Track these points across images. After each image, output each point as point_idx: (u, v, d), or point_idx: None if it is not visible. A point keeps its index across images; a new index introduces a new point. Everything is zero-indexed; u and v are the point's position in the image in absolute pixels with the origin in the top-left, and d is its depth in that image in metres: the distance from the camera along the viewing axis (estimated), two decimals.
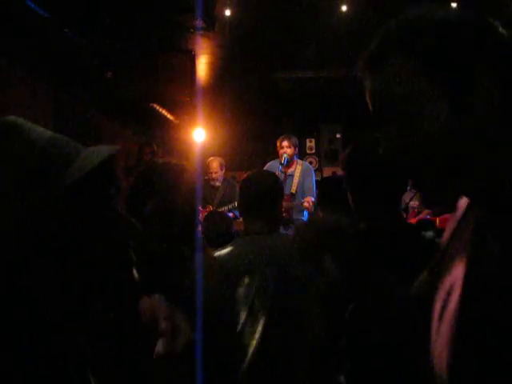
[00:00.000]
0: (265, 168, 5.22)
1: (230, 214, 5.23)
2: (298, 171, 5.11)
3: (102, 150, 0.78)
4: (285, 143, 5.01)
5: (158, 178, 1.74)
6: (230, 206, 5.44)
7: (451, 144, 0.75)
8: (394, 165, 0.82)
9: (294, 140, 5.12)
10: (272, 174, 2.44)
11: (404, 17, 0.80)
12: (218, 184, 5.71)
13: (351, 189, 1.78)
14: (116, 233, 0.80)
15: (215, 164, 5.71)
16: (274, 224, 2.17)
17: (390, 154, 0.81)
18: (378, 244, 1.59)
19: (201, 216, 5.36)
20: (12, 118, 0.77)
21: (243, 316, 1.85)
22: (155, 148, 6.06)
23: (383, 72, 0.79)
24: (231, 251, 2.06)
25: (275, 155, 5.27)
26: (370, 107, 0.84)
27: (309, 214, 4.89)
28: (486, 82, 0.73)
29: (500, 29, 0.77)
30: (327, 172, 8.12)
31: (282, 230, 3.14)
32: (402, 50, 0.77)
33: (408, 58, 0.76)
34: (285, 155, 4.97)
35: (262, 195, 2.13)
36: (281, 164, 4.97)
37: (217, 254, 2.06)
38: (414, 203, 5.37)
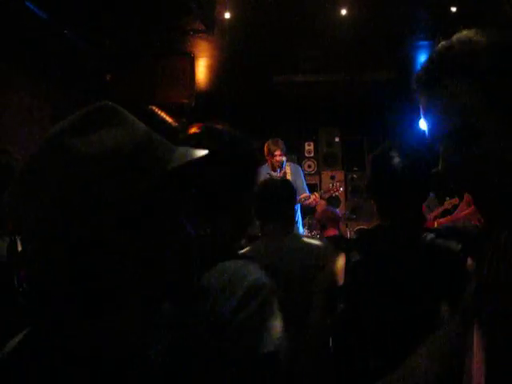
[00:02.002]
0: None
1: None
2: (288, 173, 5.31)
3: (195, 150, 0.78)
4: (277, 152, 5.17)
5: None
6: None
7: (506, 163, 0.76)
8: (452, 180, 0.83)
9: (283, 145, 5.28)
10: (286, 180, 2.64)
11: (456, 38, 0.81)
12: None
13: (376, 196, 1.82)
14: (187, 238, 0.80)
15: None
16: (290, 225, 2.39)
17: (449, 170, 0.82)
18: (399, 248, 1.62)
19: None
20: (108, 104, 0.76)
21: None
22: None
23: (441, 90, 0.80)
24: (253, 251, 2.22)
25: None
26: (426, 127, 0.85)
27: (301, 207, 5.16)
28: None
29: None
30: (326, 175, 8.11)
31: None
32: (460, 70, 0.78)
33: (466, 77, 0.77)
34: (283, 160, 5.13)
35: (281, 199, 2.33)
36: (279, 168, 5.14)
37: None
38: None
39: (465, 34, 0.80)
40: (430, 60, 0.82)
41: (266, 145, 5.29)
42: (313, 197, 5.17)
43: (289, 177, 5.27)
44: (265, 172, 5.27)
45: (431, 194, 5.48)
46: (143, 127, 0.77)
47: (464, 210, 4.19)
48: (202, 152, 0.77)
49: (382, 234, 1.69)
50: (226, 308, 0.97)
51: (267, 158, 5.31)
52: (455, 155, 0.79)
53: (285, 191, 2.41)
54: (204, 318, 0.91)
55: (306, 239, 2.40)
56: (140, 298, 0.75)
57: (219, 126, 1.44)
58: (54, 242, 0.67)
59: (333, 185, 5.69)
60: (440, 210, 4.71)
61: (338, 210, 5.06)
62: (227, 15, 5.34)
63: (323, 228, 4.31)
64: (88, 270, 0.68)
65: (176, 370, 0.77)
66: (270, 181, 2.53)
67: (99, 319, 0.72)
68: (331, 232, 4.22)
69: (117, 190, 0.68)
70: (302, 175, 5.56)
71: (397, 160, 1.68)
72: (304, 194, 5.21)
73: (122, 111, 0.77)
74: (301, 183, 5.34)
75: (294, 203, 2.50)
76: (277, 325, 1.00)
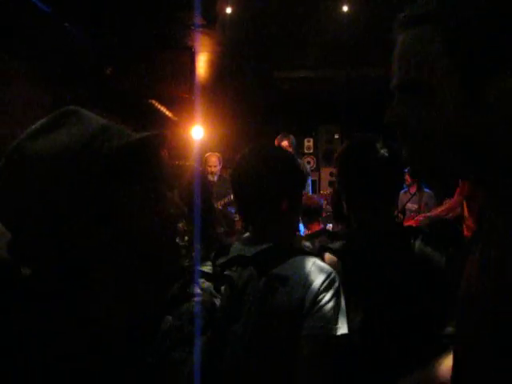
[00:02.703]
0: None
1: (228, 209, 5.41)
2: None
3: (143, 133, 0.81)
4: (285, 143, 5.14)
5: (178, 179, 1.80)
6: (226, 200, 5.56)
7: (459, 132, 0.72)
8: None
9: (293, 140, 5.26)
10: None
11: None
12: (214, 179, 5.79)
13: (345, 188, 1.73)
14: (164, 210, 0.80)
15: (214, 158, 5.83)
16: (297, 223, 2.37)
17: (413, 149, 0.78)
18: (365, 245, 1.57)
19: None
20: (70, 108, 0.80)
21: None
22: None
23: (411, 35, 0.77)
24: None
25: None
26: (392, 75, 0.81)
27: None
28: (507, 82, 0.70)
29: None
30: (325, 172, 8.11)
31: None
32: (435, 21, 0.74)
33: (437, 31, 0.74)
34: None
35: None
36: None
37: None
38: (412, 206, 5.37)
39: None
40: (416, 5, 0.78)
41: (276, 138, 5.28)
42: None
43: None
44: None
45: (428, 191, 5.48)
46: (101, 122, 0.80)
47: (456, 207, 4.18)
48: (156, 132, 0.81)
49: (365, 238, 1.63)
50: (306, 295, 1.28)
51: None
52: (410, 117, 0.76)
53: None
54: (284, 304, 1.27)
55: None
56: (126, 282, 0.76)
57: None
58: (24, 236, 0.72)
59: None
60: (439, 209, 4.71)
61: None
62: (228, 10, 5.33)
63: (309, 220, 4.14)
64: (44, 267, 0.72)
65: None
66: None
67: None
68: (316, 226, 4.12)
69: (70, 184, 0.71)
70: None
71: (373, 154, 1.65)
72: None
73: (82, 112, 0.80)
74: None
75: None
76: (345, 311, 1.31)
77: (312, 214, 4.04)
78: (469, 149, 0.72)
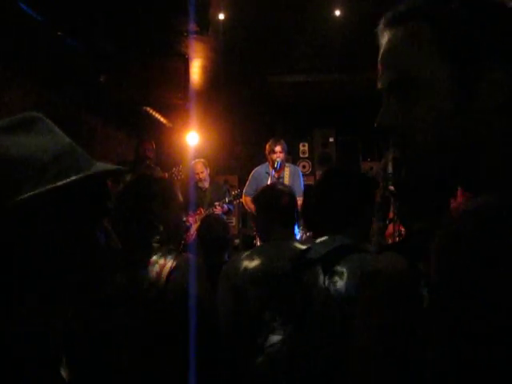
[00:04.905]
0: (253, 173, 5.46)
1: (225, 207, 5.46)
2: (287, 174, 5.34)
3: (109, 166, 0.80)
4: (277, 148, 5.18)
5: (148, 191, 1.89)
6: (227, 200, 5.61)
7: (450, 132, 0.71)
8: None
9: (285, 145, 5.32)
10: (289, 187, 2.76)
11: None
12: (206, 185, 5.80)
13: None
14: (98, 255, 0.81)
15: (199, 165, 5.86)
16: (293, 230, 2.52)
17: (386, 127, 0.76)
18: None
19: (192, 219, 5.43)
20: (37, 114, 0.80)
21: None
22: (154, 145, 6.16)
23: (398, 32, 0.75)
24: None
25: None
26: (378, 73, 0.79)
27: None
28: (496, 72, 0.69)
29: None
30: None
31: None
32: (422, 17, 0.73)
33: (425, 26, 0.73)
34: (278, 160, 5.15)
35: (291, 206, 2.43)
36: (274, 168, 5.15)
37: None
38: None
39: None
40: (404, 3, 0.77)
41: (268, 144, 5.30)
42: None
43: (287, 178, 5.29)
44: (264, 171, 5.29)
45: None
46: (67, 139, 0.80)
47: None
48: (115, 167, 0.81)
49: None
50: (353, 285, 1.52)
51: (268, 156, 5.30)
52: (402, 117, 0.74)
53: (293, 198, 2.52)
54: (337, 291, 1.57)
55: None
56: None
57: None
58: None
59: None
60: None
61: None
62: (221, 16, 5.34)
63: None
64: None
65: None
66: (272, 188, 2.68)
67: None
68: None
69: (31, 190, 0.71)
70: (301, 177, 5.55)
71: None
72: (300, 197, 5.20)
73: (46, 120, 0.80)
74: (298, 185, 5.32)
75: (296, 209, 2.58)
76: None
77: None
78: (462, 146, 0.71)
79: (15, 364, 0.71)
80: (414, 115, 0.73)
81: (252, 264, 2.20)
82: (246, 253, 2.31)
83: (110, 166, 0.80)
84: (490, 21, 0.70)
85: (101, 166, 0.79)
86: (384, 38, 0.78)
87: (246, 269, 2.20)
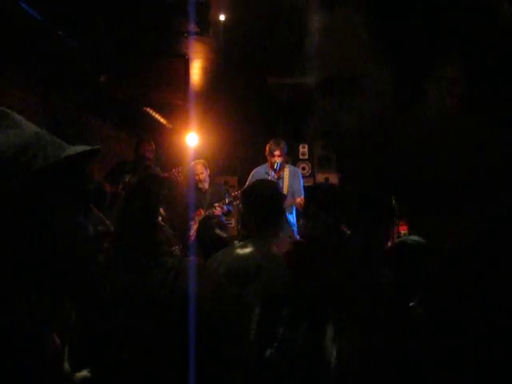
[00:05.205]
0: (253, 174, 5.49)
1: (225, 208, 5.50)
2: (286, 175, 5.36)
3: (80, 147, 0.78)
4: (277, 153, 5.25)
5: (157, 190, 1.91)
6: (227, 201, 5.63)
7: (392, 129, 0.72)
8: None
9: (285, 146, 5.35)
10: (274, 182, 2.76)
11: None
12: (206, 186, 5.81)
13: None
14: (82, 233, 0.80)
15: (199, 166, 5.86)
16: (280, 228, 2.56)
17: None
18: None
19: (192, 220, 5.43)
20: (3, 108, 0.79)
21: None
22: (153, 146, 6.16)
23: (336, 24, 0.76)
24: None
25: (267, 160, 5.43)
26: None
27: (297, 211, 5.24)
28: (442, 79, 0.70)
29: None
30: (320, 178, 8.12)
31: None
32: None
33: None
34: (278, 161, 5.20)
35: (275, 203, 2.41)
36: (273, 170, 5.18)
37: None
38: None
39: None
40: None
41: (268, 145, 5.34)
42: (298, 200, 5.18)
43: (286, 179, 5.34)
44: (263, 172, 5.34)
45: None
46: (34, 129, 0.79)
47: None
48: (86, 147, 0.80)
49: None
50: None
51: (268, 157, 5.35)
52: (342, 116, 0.76)
53: (280, 194, 2.52)
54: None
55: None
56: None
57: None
58: None
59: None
60: None
61: None
62: (222, 17, 5.34)
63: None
64: None
65: None
66: (259, 184, 2.64)
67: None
68: None
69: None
70: (301, 178, 5.57)
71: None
72: (299, 198, 5.22)
73: (15, 116, 0.80)
74: (298, 186, 5.36)
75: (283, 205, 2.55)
76: None
77: None
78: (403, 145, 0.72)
79: (16, 360, 0.71)
80: (356, 115, 0.75)
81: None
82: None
83: (81, 148, 0.78)
84: (439, 23, 0.72)
85: (72, 149, 0.78)
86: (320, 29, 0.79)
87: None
